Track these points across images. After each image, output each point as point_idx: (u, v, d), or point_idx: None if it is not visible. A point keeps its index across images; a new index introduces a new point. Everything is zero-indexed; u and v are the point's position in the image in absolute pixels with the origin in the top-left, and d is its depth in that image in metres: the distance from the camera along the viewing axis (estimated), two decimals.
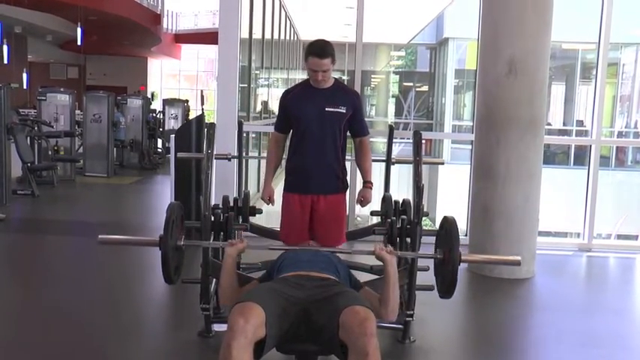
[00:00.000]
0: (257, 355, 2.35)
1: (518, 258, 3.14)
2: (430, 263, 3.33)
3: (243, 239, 3.04)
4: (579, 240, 6.30)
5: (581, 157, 10.90)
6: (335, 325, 2.36)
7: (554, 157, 12.85)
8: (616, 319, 4.33)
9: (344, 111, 3.57)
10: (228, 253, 2.93)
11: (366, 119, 3.86)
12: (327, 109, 3.54)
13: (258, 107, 9.86)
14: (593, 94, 6.30)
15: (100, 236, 3.12)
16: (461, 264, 2.94)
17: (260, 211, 4.19)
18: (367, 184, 3.77)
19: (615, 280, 5.78)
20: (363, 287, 2.91)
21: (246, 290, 2.84)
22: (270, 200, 3.76)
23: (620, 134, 13.76)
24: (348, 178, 3.84)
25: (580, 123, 13.51)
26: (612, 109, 13.68)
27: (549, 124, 13.34)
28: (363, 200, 3.78)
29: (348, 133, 3.72)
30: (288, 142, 3.82)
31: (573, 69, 14.75)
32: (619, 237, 7.67)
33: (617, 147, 12.33)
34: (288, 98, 3.68)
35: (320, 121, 3.55)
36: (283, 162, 3.89)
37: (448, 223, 3.04)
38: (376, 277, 3.77)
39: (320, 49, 3.46)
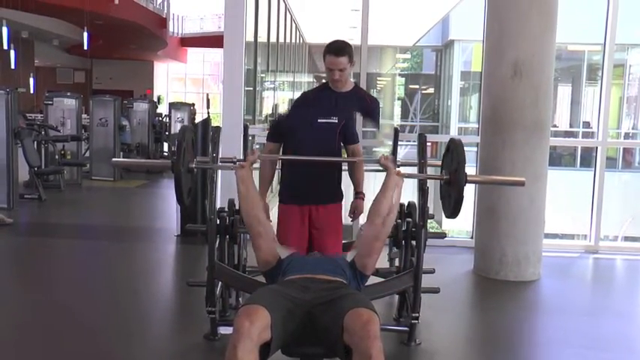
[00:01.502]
0: (262, 358, 2.36)
1: (523, 179, 3.17)
2: (436, 268, 3.32)
3: (255, 150, 3.02)
4: (586, 242, 6.28)
5: (587, 158, 10.87)
6: (339, 328, 2.36)
7: (560, 158, 12.82)
8: (623, 322, 4.32)
9: (336, 121, 3.56)
10: (241, 176, 2.89)
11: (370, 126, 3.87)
12: (319, 120, 3.54)
13: (264, 111, 9.88)
14: (599, 96, 6.29)
15: (113, 159, 3.20)
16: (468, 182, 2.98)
17: None
18: (359, 194, 3.75)
19: (622, 282, 5.76)
20: (351, 251, 2.91)
21: (268, 241, 2.80)
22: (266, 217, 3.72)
23: (627, 135, 13.71)
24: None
25: (586, 125, 13.47)
26: (619, 110, 13.63)
27: (555, 126, 13.31)
28: (356, 212, 3.76)
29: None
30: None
31: (579, 70, 14.70)
32: (626, 239, 7.63)
33: (624, 148, 12.28)
34: (282, 119, 3.72)
35: (314, 132, 3.54)
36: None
37: (454, 144, 3.07)
38: (381, 279, 3.78)
39: (336, 48, 3.50)
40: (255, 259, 2.87)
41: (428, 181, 3.49)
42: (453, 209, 3.07)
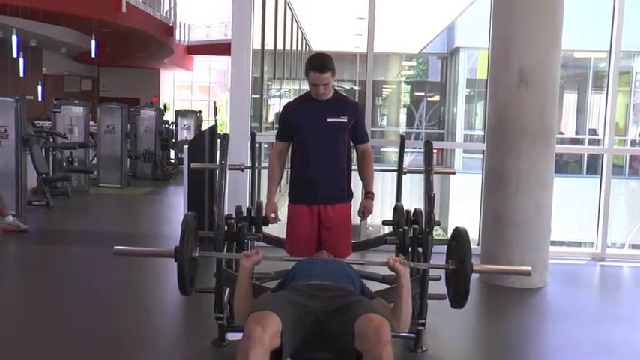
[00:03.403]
0: None
1: (529, 268, 3.16)
2: (442, 274, 3.34)
3: (259, 251, 3.02)
4: (592, 249, 6.27)
5: (593, 166, 10.86)
6: (350, 334, 2.37)
7: (566, 166, 12.80)
8: (629, 329, 4.31)
9: (345, 120, 3.57)
10: (244, 266, 2.90)
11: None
12: (328, 119, 3.55)
13: (271, 118, 9.93)
14: (605, 103, 6.29)
15: (115, 247, 3.16)
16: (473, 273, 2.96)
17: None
18: (369, 194, 3.75)
19: (629, 289, 5.75)
20: (376, 298, 2.92)
21: (260, 300, 2.85)
22: (274, 217, 3.70)
23: (633, 143, 13.68)
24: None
25: (593, 132, 13.45)
26: (625, 117, 13.61)
27: (561, 133, 13.30)
28: (365, 211, 3.77)
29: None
30: (289, 154, 3.81)
31: (585, 78, 14.69)
32: (633, 246, 7.62)
33: (630, 156, 12.25)
34: (289, 111, 3.69)
35: (322, 132, 3.56)
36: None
37: (460, 234, 3.06)
38: (388, 286, 3.79)
39: (320, 64, 3.46)
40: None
41: (433, 186, 3.50)
42: (459, 300, 3.07)
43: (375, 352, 2.28)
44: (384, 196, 6.41)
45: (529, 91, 4.95)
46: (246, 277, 2.90)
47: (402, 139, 4.72)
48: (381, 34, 6.42)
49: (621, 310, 4.92)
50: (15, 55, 13.36)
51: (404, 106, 17.26)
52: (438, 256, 3.45)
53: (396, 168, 4.69)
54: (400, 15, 10.72)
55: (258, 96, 7.94)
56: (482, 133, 6.10)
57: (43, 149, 9.19)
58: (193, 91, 27.16)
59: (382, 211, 5.83)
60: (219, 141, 3.77)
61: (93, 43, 14.65)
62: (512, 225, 5.02)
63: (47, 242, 6.60)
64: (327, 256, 3.25)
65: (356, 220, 3.87)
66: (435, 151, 3.91)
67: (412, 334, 3.59)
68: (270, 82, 9.72)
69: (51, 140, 9.58)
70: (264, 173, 3.69)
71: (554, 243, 5.60)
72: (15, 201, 7.43)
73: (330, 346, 2.48)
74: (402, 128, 16.19)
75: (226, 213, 3.79)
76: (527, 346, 3.98)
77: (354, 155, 3.79)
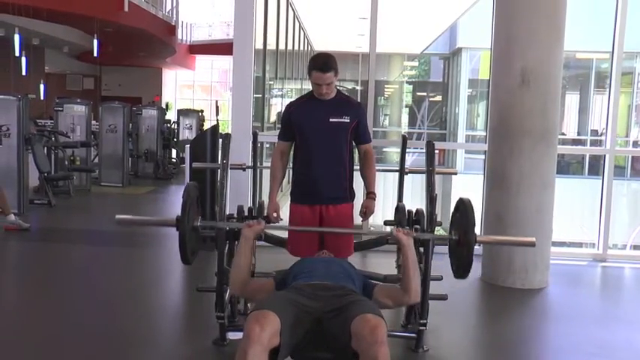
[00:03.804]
0: None
1: (533, 239, 3.18)
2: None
3: (261, 221, 3.06)
4: (594, 250, 6.27)
5: (595, 166, 10.85)
6: (347, 334, 2.38)
7: (568, 166, 12.79)
8: (631, 330, 4.30)
9: (347, 120, 3.57)
10: (246, 236, 2.95)
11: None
12: (330, 119, 3.55)
13: (272, 118, 9.93)
14: (607, 104, 6.29)
15: (117, 216, 3.21)
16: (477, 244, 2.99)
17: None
18: (370, 194, 3.75)
19: (630, 290, 5.74)
20: (376, 285, 2.93)
21: (259, 286, 2.89)
22: (276, 216, 3.69)
23: (635, 144, 13.66)
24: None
25: (595, 132, 13.44)
26: (627, 118, 13.59)
27: (563, 134, 13.28)
28: (366, 211, 3.76)
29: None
30: (291, 154, 3.81)
31: (587, 78, 14.68)
32: (634, 247, 7.61)
33: (632, 156, 12.23)
34: (292, 110, 3.68)
35: (324, 132, 3.56)
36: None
37: (464, 205, 3.07)
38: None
39: (323, 64, 3.46)
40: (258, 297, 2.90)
41: (435, 186, 3.50)
42: (463, 271, 3.08)
43: (371, 353, 2.29)
44: (385, 196, 6.42)
45: (531, 91, 4.95)
46: (248, 247, 2.94)
47: (404, 140, 4.72)
48: (384, 34, 6.43)
49: (622, 311, 4.91)
50: (17, 53, 13.39)
51: (406, 106, 17.26)
52: (439, 256, 3.45)
53: (397, 168, 4.69)
54: (402, 15, 10.72)
55: (260, 95, 7.94)
56: (484, 134, 6.10)
57: (45, 148, 9.21)
58: (195, 90, 27.16)
59: (384, 211, 5.84)
60: (220, 140, 3.77)
61: (95, 42, 14.65)
62: (514, 225, 5.01)
63: (49, 241, 6.61)
64: (327, 255, 3.25)
65: (357, 220, 3.87)
66: (436, 151, 3.90)
67: (413, 334, 3.59)
68: (272, 82, 9.72)
69: (53, 139, 9.59)
70: (266, 173, 3.69)
71: (555, 244, 5.60)
72: (17, 199, 7.44)
73: (329, 346, 2.49)
74: (404, 128, 16.18)
75: (228, 212, 3.80)
76: (528, 346, 3.98)
77: (356, 155, 3.79)
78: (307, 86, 3.71)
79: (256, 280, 3.04)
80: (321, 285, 2.69)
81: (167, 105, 20.51)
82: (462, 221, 3.04)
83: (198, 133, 13.44)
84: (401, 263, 4.43)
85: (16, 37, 13.03)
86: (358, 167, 3.79)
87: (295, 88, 12.26)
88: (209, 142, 6.06)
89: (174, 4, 21.30)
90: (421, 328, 3.52)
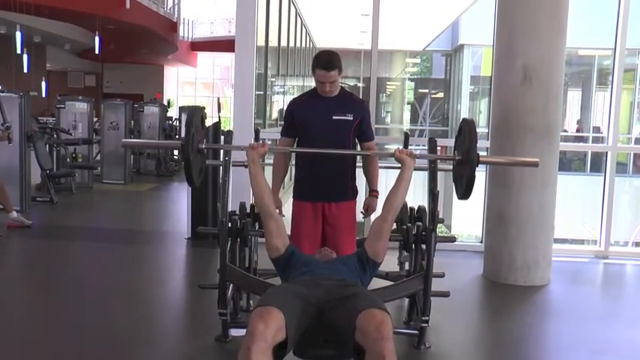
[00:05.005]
0: (278, 357, 2.38)
1: (537, 160, 3.28)
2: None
3: (265, 143, 3.10)
4: (596, 247, 6.27)
5: (597, 163, 10.83)
6: (352, 327, 2.38)
7: (570, 163, 12.76)
8: (633, 328, 4.30)
9: (351, 118, 3.57)
10: (251, 158, 3.04)
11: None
12: (334, 116, 3.55)
13: (275, 114, 9.93)
14: (609, 101, 6.28)
15: (123, 140, 3.25)
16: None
17: None
18: (373, 192, 3.75)
19: (632, 287, 5.74)
20: (364, 243, 3.00)
21: (277, 226, 2.96)
22: (278, 213, 3.66)
23: (637, 141, 13.64)
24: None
25: (597, 129, 13.41)
26: (630, 115, 13.56)
27: (565, 131, 13.27)
28: (368, 209, 3.76)
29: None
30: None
31: (590, 75, 14.66)
32: (636, 244, 7.60)
33: (634, 153, 12.21)
34: (295, 107, 3.68)
35: (327, 129, 3.55)
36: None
37: (467, 126, 3.09)
38: (391, 283, 3.79)
39: (327, 62, 3.46)
40: (266, 247, 2.97)
41: (437, 185, 3.50)
42: (465, 189, 3.11)
43: (377, 349, 2.29)
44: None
45: (533, 88, 4.94)
46: (258, 170, 3.05)
47: (406, 136, 4.71)
48: (385, 31, 6.41)
49: (625, 308, 4.91)
50: (19, 51, 13.40)
51: (408, 103, 17.24)
52: (442, 253, 3.45)
53: (399, 165, 4.68)
54: (404, 12, 10.69)
55: (262, 92, 7.94)
56: (486, 131, 6.09)
57: (47, 145, 9.22)
58: (197, 87, 27.15)
59: None
60: (222, 137, 3.77)
61: (97, 39, 14.65)
62: (516, 222, 5.02)
63: (51, 238, 6.62)
64: (329, 252, 3.26)
65: (360, 217, 3.87)
66: (438, 148, 3.90)
67: (415, 331, 3.60)
68: (273, 79, 9.72)
69: (55, 136, 9.60)
70: (268, 169, 3.69)
71: (557, 241, 5.59)
72: (19, 197, 7.45)
73: (333, 338, 2.49)
74: (406, 125, 16.18)
75: (230, 209, 3.80)
76: (530, 343, 3.98)
77: None
78: (309, 83, 3.71)
79: (280, 220, 3.08)
80: (322, 277, 2.71)
81: (169, 102, 20.50)
82: (466, 141, 3.06)
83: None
84: (402, 260, 4.47)
85: (18, 35, 13.05)
86: (361, 165, 3.78)
87: (297, 85, 12.24)
88: (211, 139, 6.06)
89: (176, 1, 21.31)
90: (423, 325, 3.52)
